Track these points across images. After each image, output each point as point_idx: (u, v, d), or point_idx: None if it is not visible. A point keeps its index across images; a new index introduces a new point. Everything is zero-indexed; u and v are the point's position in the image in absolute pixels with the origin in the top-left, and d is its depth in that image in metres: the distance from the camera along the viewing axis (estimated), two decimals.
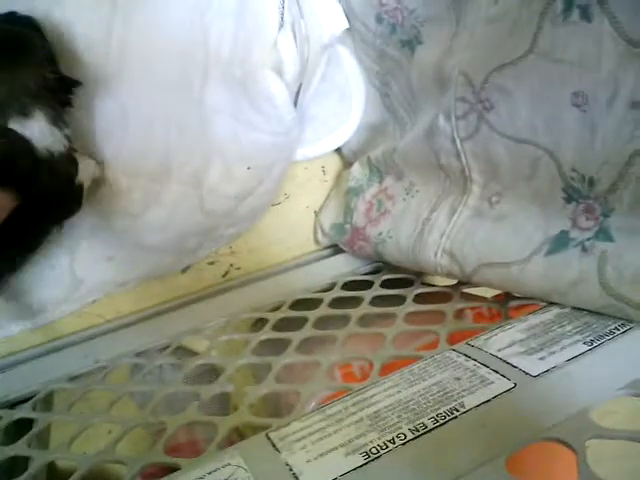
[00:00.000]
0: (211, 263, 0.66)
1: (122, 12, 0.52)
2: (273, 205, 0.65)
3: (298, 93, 0.58)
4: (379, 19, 0.56)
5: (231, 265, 0.67)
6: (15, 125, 0.41)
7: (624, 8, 0.33)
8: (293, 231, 0.67)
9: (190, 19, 0.54)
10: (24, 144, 0.41)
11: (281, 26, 0.55)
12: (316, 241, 0.68)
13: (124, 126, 0.54)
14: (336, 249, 0.67)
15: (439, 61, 0.50)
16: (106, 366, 0.54)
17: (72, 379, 0.54)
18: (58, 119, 0.45)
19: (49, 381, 0.54)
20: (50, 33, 0.48)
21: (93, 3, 0.51)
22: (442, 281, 0.55)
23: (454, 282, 0.53)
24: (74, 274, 0.57)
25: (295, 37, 0.56)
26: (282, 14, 0.55)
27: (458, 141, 0.48)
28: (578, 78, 0.37)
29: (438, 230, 0.50)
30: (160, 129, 0.55)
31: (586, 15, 0.35)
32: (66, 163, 0.46)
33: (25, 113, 0.42)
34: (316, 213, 0.68)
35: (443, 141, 0.49)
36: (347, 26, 0.58)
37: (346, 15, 0.59)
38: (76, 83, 0.48)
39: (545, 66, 0.38)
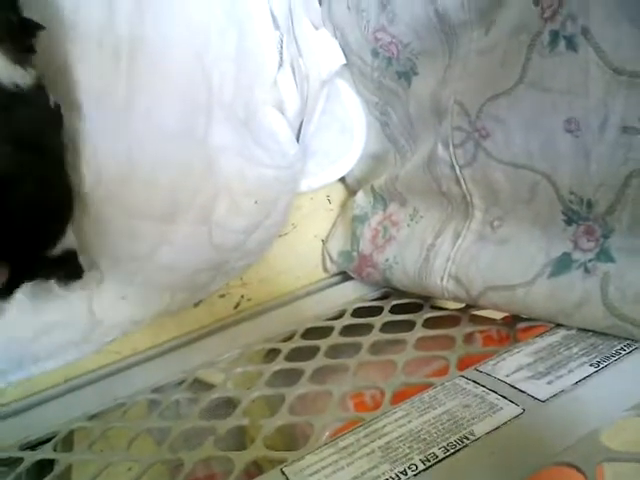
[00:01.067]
0: (222, 296, 0.67)
1: (126, 57, 0.54)
2: (281, 236, 0.67)
3: (300, 128, 0.60)
4: (375, 53, 0.57)
5: (242, 297, 0.68)
6: None
7: (607, 38, 0.34)
8: (301, 260, 0.68)
9: (191, 64, 0.56)
10: None
11: (280, 65, 0.57)
12: (325, 269, 0.69)
13: (130, 169, 0.56)
14: (345, 276, 0.68)
15: (435, 91, 0.51)
16: (124, 403, 0.55)
17: (91, 417, 0.55)
18: (23, 60, 0.43)
19: (69, 420, 0.55)
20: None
21: (96, 48, 0.53)
22: (451, 304, 0.55)
23: (463, 305, 0.54)
24: (93, 315, 0.58)
25: (294, 75, 0.58)
26: (281, 54, 0.57)
27: (457, 168, 0.49)
28: (569, 105, 0.38)
29: (443, 255, 0.51)
30: (166, 171, 0.57)
31: (572, 46, 0.36)
32: (39, 94, 0.44)
33: None
34: (323, 242, 0.69)
35: (443, 168, 0.50)
36: (344, 62, 0.60)
37: (343, 50, 0.60)
38: (39, 26, 0.45)
39: (536, 95, 0.40)
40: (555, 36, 0.37)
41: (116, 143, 0.54)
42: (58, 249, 0.47)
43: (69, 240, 0.49)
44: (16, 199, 0.43)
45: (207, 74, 0.56)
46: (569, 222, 0.42)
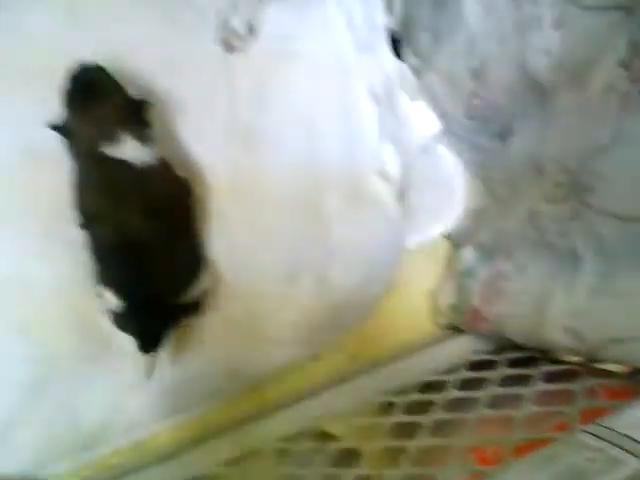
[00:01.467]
0: (339, 350, 0.72)
1: (247, 140, 0.62)
2: (391, 291, 0.70)
3: (403, 190, 0.65)
4: (470, 116, 0.61)
5: (358, 350, 0.72)
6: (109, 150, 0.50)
7: None
8: (413, 315, 0.71)
9: (303, 142, 0.63)
10: None
11: (381, 136, 0.63)
12: (436, 323, 0.71)
13: (255, 236, 0.63)
14: (457, 330, 0.69)
15: (532, 150, 0.53)
16: (255, 450, 0.60)
17: (228, 463, 0.60)
18: (146, 139, 0.52)
19: (207, 465, 0.60)
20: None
21: (221, 133, 0.61)
22: (568, 357, 0.55)
23: (581, 358, 0.53)
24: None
25: (395, 144, 0.63)
26: (382, 126, 0.63)
27: (563, 222, 0.50)
28: None
29: (556, 308, 0.51)
30: (286, 237, 0.64)
31: None
32: (165, 170, 0.53)
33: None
34: (433, 296, 0.71)
35: (547, 223, 0.51)
36: (440, 127, 0.64)
37: (439, 116, 0.65)
38: (149, 103, 0.53)
39: (635, 150, 0.41)
40: None
41: (243, 215, 0.62)
42: (188, 297, 0.55)
43: (197, 289, 0.56)
44: (150, 259, 0.52)
45: (317, 149, 0.63)
46: None
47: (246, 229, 0.63)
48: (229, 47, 0.62)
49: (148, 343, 0.53)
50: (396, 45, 0.65)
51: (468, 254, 0.67)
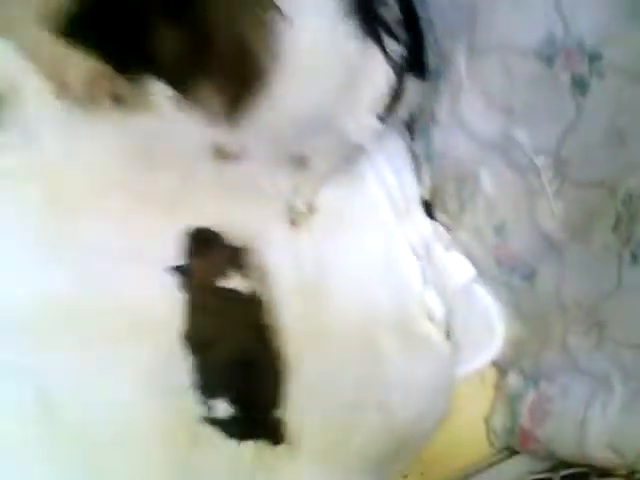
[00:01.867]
0: (405, 476, 0.78)
1: (306, 298, 0.74)
2: (448, 419, 0.78)
3: (449, 328, 0.76)
4: (499, 262, 0.73)
5: (421, 474, 0.78)
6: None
7: None
8: (469, 439, 0.78)
9: (357, 296, 0.76)
10: None
11: (425, 284, 0.76)
12: (491, 445, 0.78)
13: (320, 377, 0.72)
14: (512, 451, 0.75)
15: (555, 289, 0.65)
16: None
17: None
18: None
19: None
20: None
21: (292, 295, 0.74)
22: (617, 469, 0.61)
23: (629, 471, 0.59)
24: None
25: (437, 289, 0.76)
26: (424, 276, 0.76)
27: (590, 351, 0.60)
28: None
29: (594, 426, 0.59)
30: (348, 375, 0.73)
31: None
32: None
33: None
34: (487, 420, 0.79)
35: (577, 352, 0.61)
36: (474, 272, 0.76)
37: (472, 262, 0.77)
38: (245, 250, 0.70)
39: (636, 294, 0.52)
40: (634, 256, 0.50)
41: (313, 354, 0.72)
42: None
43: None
44: (257, 375, 0.65)
45: (370, 299, 0.76)
46: None
47: (316, 367, 0.73)
48: (294, 223, 0.78)
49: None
50: (428, 208, 0.80)
51: (514, 380, 0.76)
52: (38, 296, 0.67)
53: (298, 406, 0.70)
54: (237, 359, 0.64)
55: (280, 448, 0.68)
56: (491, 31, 0.59)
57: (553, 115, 0.55)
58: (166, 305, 0.68)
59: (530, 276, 0.70)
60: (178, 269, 0.68)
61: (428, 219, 0.80)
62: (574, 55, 0.51)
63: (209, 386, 0.64)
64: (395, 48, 0.60)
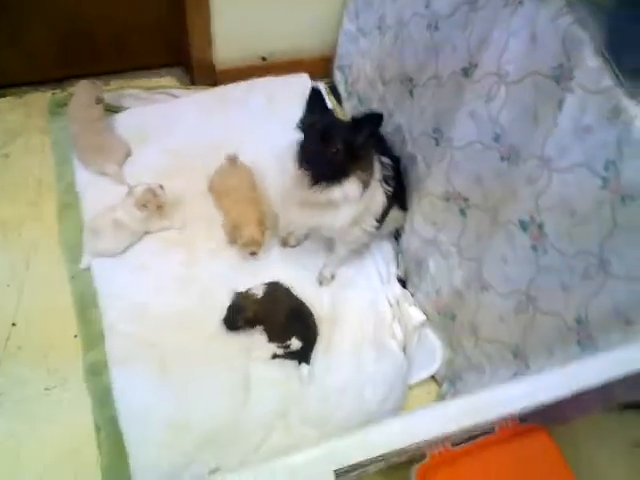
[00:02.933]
0: None
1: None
2: (405, 410, 1.25)
3: (406, 348, 1.27)
4: (438, 311, 1.27)
5: None
6: None
7: None
8: None
9: (356, 327, 1.30)
10: None
11: (393, 319, 1.30)
12: None
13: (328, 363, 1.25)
14: None
15: (470, 328, 1.18)
16: None
17: None
18: None
19: None
20: None
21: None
22: None
23: None
24: None
25: (400, 324, 1.30)
26: (394, 315, 1.30)
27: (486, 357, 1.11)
28: None
29: None
30: (340, 369, 1.25)
31: None
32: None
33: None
34: None
35: (485, 365, 1.12)
36: (424, 318, 1.30)
37: (424, 312, 1.31)
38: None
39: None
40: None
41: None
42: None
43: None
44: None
45: (361, 326, 1.30)
46: None
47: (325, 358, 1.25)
48: (321, 283, 1.36)
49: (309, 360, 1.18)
50: (404, 283, 1.38)
51: (445, 386, 1.24)
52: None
53: None
54: (292, 310, 1.19)
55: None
56: (426, 185, 1.22)
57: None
58: None
59: (453, 317, 1.23)
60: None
61: (401, 287, 1.37)
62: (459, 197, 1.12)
63: (288, 333, 1.19)
64: (388, 189, 1.23)
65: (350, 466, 0.53)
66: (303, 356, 1.21)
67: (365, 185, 1.10)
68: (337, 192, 1.07)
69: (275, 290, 1.26)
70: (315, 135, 1.05)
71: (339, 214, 1.12)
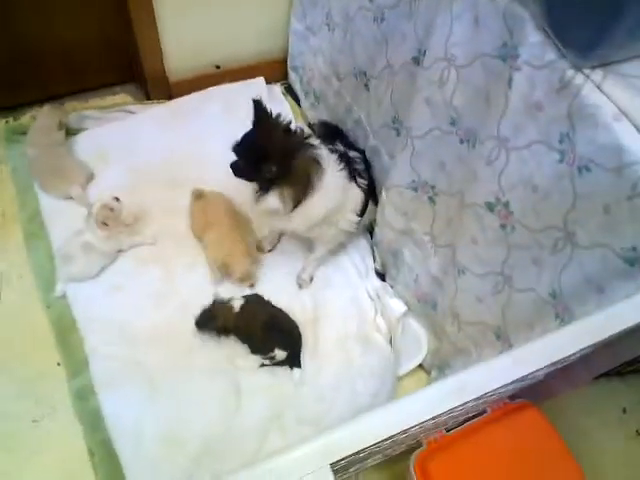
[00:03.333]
0: None
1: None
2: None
3: (392, 341, 1.28)
4: (419, 300, 1.27)
5: None
6: None
7: None
8: None
9: (341, 325, 1.30)
10: None
11: (376, 313, 1.30)
12: None
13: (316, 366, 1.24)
14: None
15: (451, 313, 1.18)
16: None
17: None
18: None
19: None
20: None
21: None
22: None
23: None
24: None
25: (383, 317, 1.30)
26: (375, 309, 1.30)
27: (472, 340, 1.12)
28: None
29: None
30: (329, 368, 1.25)
31: None
32: None
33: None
34: None
35: (471, 350, 1.13)
36: (406, 308, 1.31)
37: (405, 303, 1.32)
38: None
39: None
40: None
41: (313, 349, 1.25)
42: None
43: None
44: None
45: (344, 323, 1.30)
46: None
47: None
48: (300, 286, 1.36)
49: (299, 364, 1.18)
50: (383, 276, 1.38)
51: (434, 374, 1.25)
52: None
53: None
54: (267, 323, 1.18)
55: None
56: (392, 176, 1.22)
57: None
58: None
59: (434, 306, 1.24)
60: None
61: (380, 280, 1.37)
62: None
63: (268, 345, 1.18)
64: (363, 182, 1.23)
65: (347, 460, 0.53)
66: (293, 361, 1.21)
67: (294, 197, 1.10)
68: (270, 201, 1.09)
69: (253, 302, 1.25)
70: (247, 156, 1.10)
71: (295, 217, 1.13)
